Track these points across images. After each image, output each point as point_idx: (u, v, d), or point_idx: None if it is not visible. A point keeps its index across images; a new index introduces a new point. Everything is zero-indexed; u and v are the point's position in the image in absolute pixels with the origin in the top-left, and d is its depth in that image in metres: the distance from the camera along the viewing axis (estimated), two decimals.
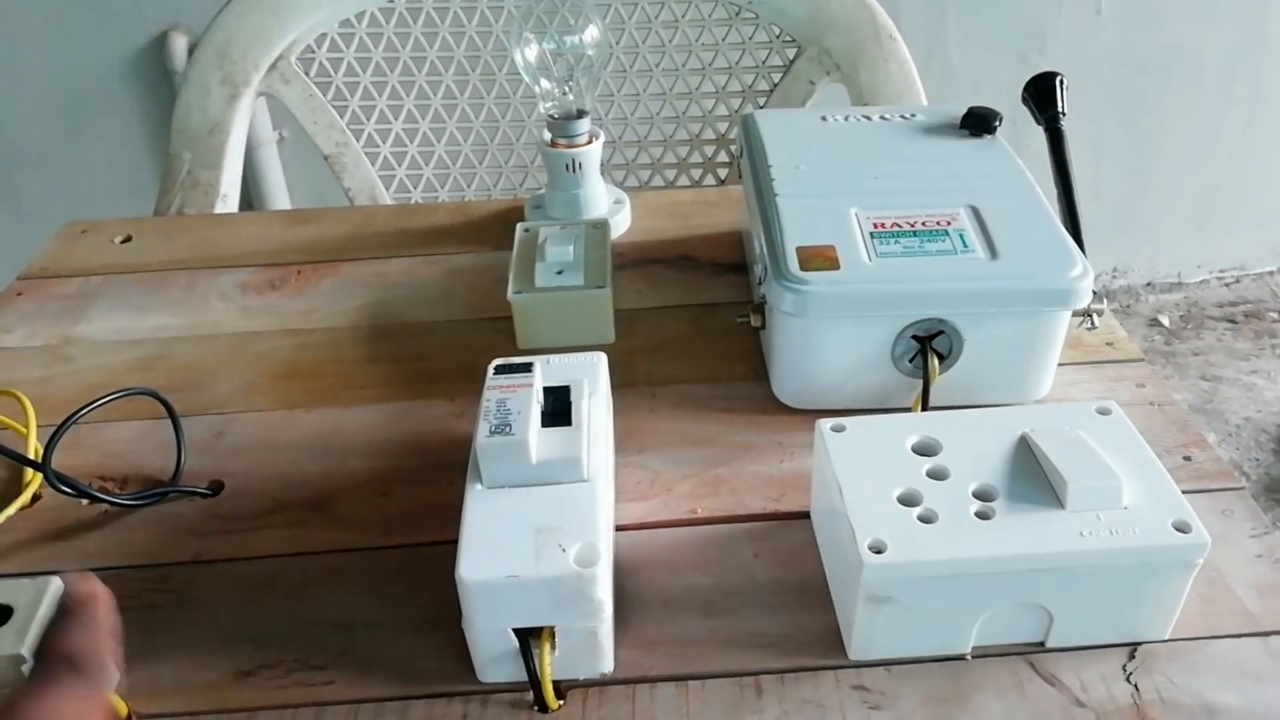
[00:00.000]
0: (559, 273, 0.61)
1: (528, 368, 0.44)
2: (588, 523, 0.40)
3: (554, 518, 0.40)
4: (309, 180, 1.63)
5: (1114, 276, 2.15)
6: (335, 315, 0.66)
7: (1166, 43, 1.84)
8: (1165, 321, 2.06)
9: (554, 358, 0.48)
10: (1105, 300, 0.57)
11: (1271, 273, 2.17)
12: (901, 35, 1.69)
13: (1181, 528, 0.39)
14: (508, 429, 0.41)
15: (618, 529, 0.49)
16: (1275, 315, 2.06)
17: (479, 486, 0.41)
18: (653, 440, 0.54)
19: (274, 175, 1.68)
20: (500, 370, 0.44)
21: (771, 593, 0.45)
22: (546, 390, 0.44)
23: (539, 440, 0.42)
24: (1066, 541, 0.39)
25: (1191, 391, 1.83)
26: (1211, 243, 2.12)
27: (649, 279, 0.69)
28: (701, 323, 0.64)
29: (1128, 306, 2.13)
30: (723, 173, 1.00)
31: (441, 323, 0.65)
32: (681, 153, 0.99)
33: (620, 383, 0.58)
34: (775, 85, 0.94)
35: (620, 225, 0.75)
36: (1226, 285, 2.16)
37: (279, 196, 1.67)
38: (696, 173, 1.00)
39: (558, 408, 0.43)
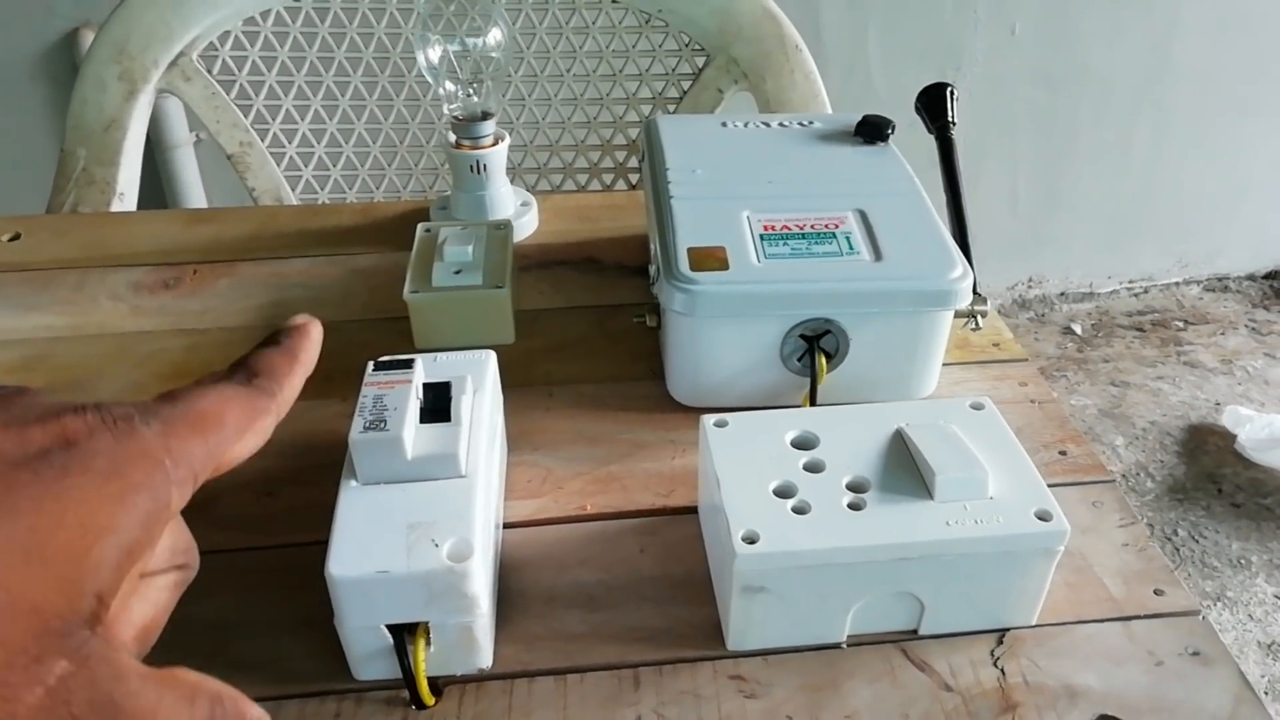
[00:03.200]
0: (457, 272, 0.61)
1: (408, 364, 0.44)
2: (463, 518, 0.39)
3: (428, 513, 0.40)
4: (227, 183, 1.60)
5: (1029, 286, 2.22)
6: (230, 315, 0.65)
7: (1078, 63, 1.91)
8: (1078, 330, 2.13)
9: (442, 356, 0.48)
10: (988, 302, 0.59)
11: (1178, 284, 2.26)
12: (824, 50, 1.72)
13: (1043, 516, 0.41)
14: (382, 425, 0.40)
15: (506, 526, 0.49)
16: (1180, 324, 2.14)
17: (353, 483, 0.41)
18: (547, 439, 0.54)
19: (190, 177, 1.64)
20: (380, 367, 0.44)
21: (655, 587, 0.46)
22: (426, 386, 0.44)
23: (416, 436, 0.41)
24: (933, 531, 0.40)
25: (1101, 396, 1.89)
26: (1121, 255, 2.21)
27: (553, 280, 0.69)
28: (604, 324, 0.64)
29: (1042, 315, 2.19)
30: (634, 178, 1.01)
31: (340, 323, 0.64)
32: (594, 157, 1.00)
33: (518, 382, 0.58)
34: (685, 93, 0.95)
35: (527, 227, 0.75)
36: (1135, 295, 2.24)
37: (196, 199, 1.64)
38: (608, 177, 1.01)
39: (438, 404, 0.43)
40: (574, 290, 0.68)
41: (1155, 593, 0.45)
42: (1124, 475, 1.68)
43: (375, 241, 0.74)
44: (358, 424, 0.41)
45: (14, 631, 0.20)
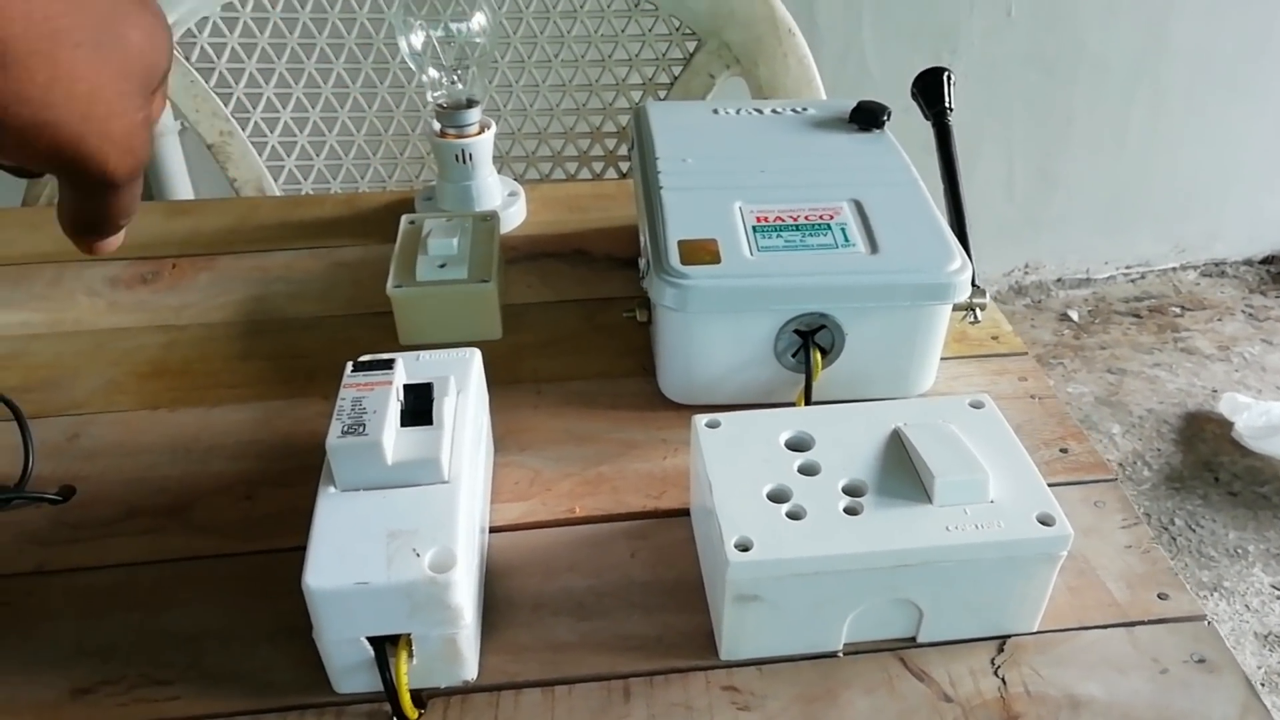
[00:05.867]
0: (442, 266, 0.59)
1: (389, 364, 0.42)
2: (445, 526, 0.38)
3: (410, 521, 0.38)
4: (214, 172, 1.57)
5: (1025, 273, 2.20)
6: (210, 311, 0.63)
7: (1073, 45, 1.89)
8: (1074, 316, 2.12)
9: (424, 354, 0.47)
10: (987, 294, 0.57)
11: (1174, 269, 2.25)
12: (818, 34, 1.70)
13: (1045, 520, 0.39)
14: (361, 429, 0.39)
15: (492, 530, 0.47)
16: (1178, 310, 2.13)
17: (332, 489, 0.39)
18: (535, 438, 0.53)
19: (175, 167, 1.62)
20: (360, 367, 0.42)
21: (647, 593, 0.44)
22: (407, 388, 0.42)
23: (396, 441, 0.40)
24: (932, 537, 0.39)
25: (1098, 384, 1.88)
26: (1118, 240, 2.19)
27: (541, 273, 0.67)
28: (593, 318, 0.63)
29: (1039, 302, 2.18)
30: (625, 166, 0.99)
31: (323, 318, 0.63)
32: (583, 145, 0.98)
33: (505, 379, 0.56)
34: (676, 78, 0.93)
35: (515, 218, 0.73)
36: (1132, 281, 2.23)
37: (181, 188, 1.61)
38: (598, 166, 0.99)
39: (419, 406, 0.41)
40: (563, 283, 0.66)
41: (1159, 597, 0.44)
42: (1121, 464, 1.67)
43: (359, 233, 0.72)
44: (335, 428, 0.39)
45: (140, 71, 0.30)
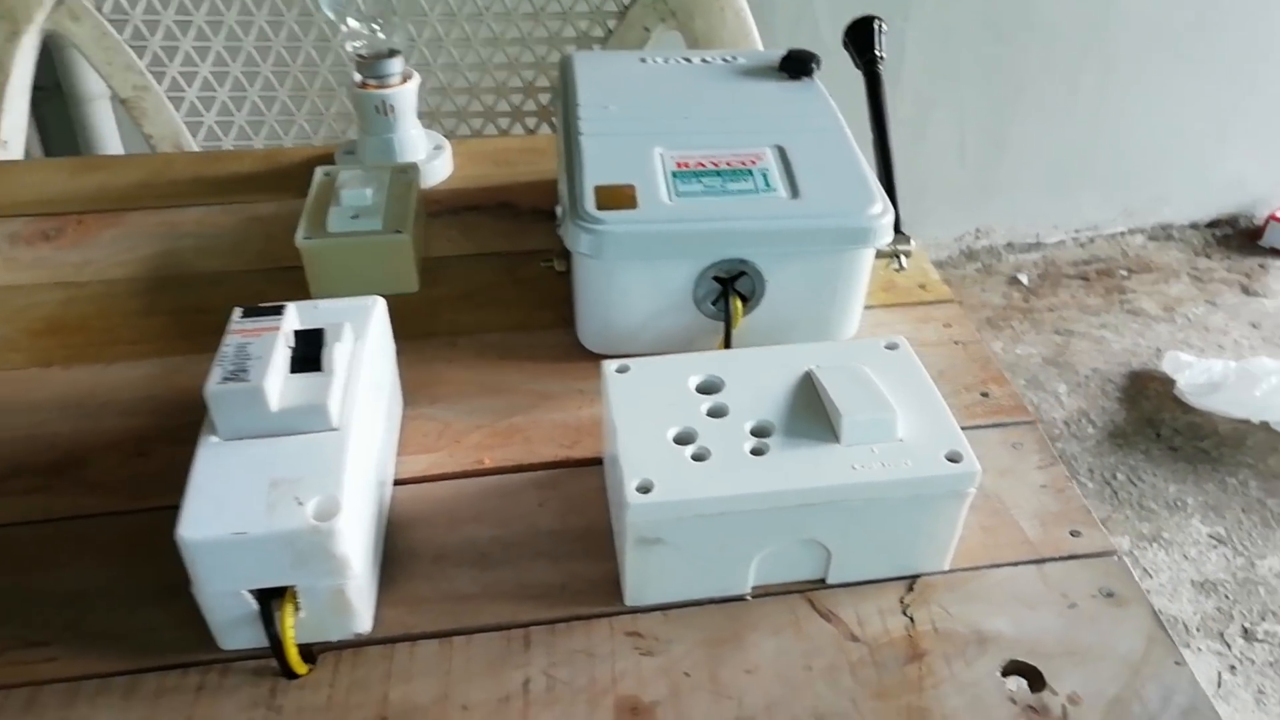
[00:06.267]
0: (355, 217, 0.57)
1: (279, 310, 0.41)
2: (331, 474, 0.36)
3: (294, 469, 0.36)
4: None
5: (977, 237, 2.21)
6: (113, 267, 0.61)
7: (1024, 11, 1.88)
8: (1024, 280, 2.13)
9: (324, 303, 0.45)
10: (913, 241, 0.57)
11: (1122, 233, 2.26)
12: None
13: (954, 458, 0.39)
14: (244, 375, 0.37)
15: (397, 484, 0.46)
16: (1125, 273, 2.15)
17: (214, 439, 0.38)
18: (447, 391, 0.51)
19: (108, 132, 1.57)
20: (249, 314, 0.41)
21: (554, 542, 0.43)
22: (299, 334, 0.40)
23: (284, 387, 0.38)
24: (838, 475, 0.38)
25: (1046, 345, 1.90)
26: (1067, 205, 2.20)
27: (464, 226, 0.66)
28: (515, 270, 0.61)
29: (989, 266, 2.19)
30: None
31: (232, 273, 0.61)
32: (516, 101, 0.95)
33: (420, 333, 0.55)
34: (610, 32, 0.91)
35: (440, 172, 0.71)
36: (1081, 245, 2.24)
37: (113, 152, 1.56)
38: (532, 121, 0.97)
39: (310, 353, 0.40)
40: (486, 236, 0.64)
41: (1072, 534, 0.43)
42: (1066, 422, 1.68)
43: (277, 189, 0.69)
44: (216, 374, 0.37)
45: None
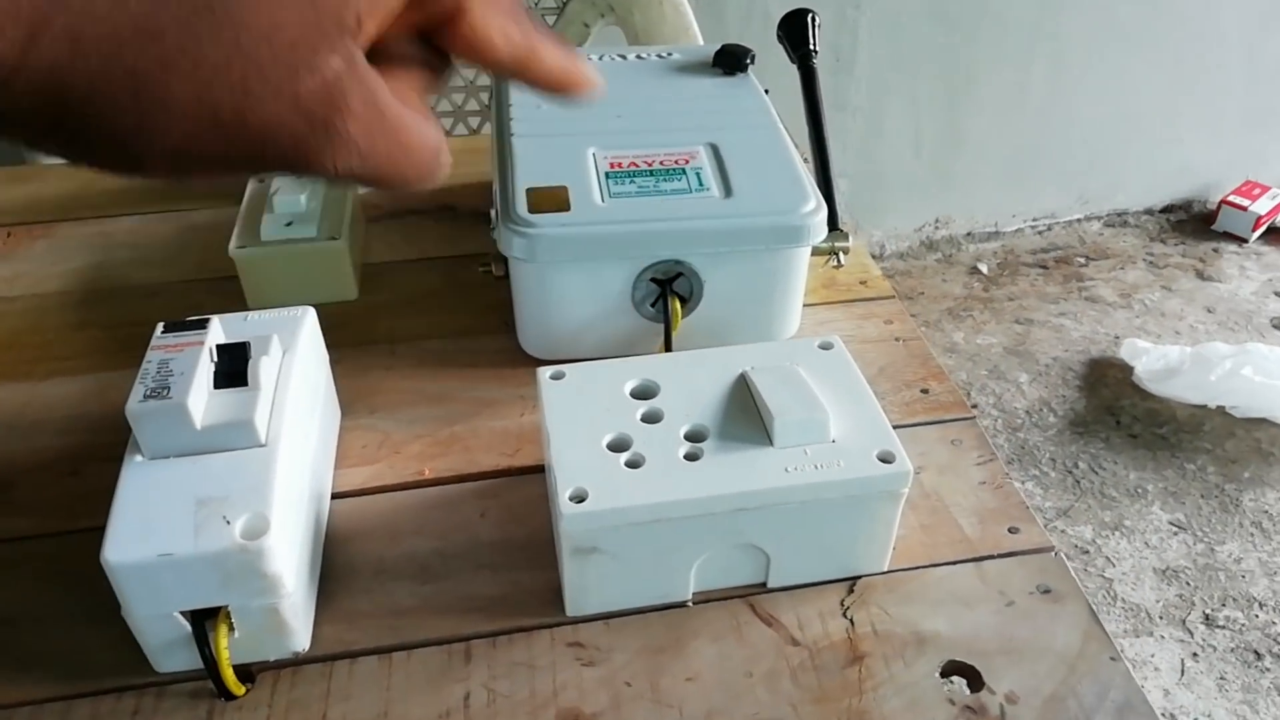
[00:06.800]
0: (288, 225, 0.56)
1: (202, 324, 0.40)
2: (259, 491, 0.36)
3: (221, 488, 0.36)
4: None
5: (936, 227, 2.22)
6: (44, 280, 0.59)
7: (974, 0, 1.90)
8: (984, 269, 2.15)
9: (253, 315, 0.44)
10: (850, 237, 0.57)
11: (1079, 220, 2.29)
12: None
13: (886, 458, 0.39)
14: (165, 392, 0.36)
15: (335, 497, 0.45)
16: (1082, 260, 2.18)
17: (139, 458, 0.37)
18: (386, 400, 0.51)
19: None
20: (170, 328, 0.40)
21: (495, 552, 0.43)
22: (221, 349, 0.40)
23: (208, 403, 0.38)
24: (771, 478, 0.38)
25: (1006, 335, 1.92)
26: (1024, 193, 2.23)
27: (404, 231, 0.65)
28: (456, 275, 0.61)
29: (949, 256, 2.21)
30: None
31: (169, 284, 0.60)
32: (457, 100, 0.95)
33: (358, 341, 0.54)
34: (550, 28, 0.91)
35: None
36: (1039, 233, 2.27)
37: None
38: (474, 121, 0.96)
39: (235, 368, 0.39)
40: (426, 241, 0.64)
41: (1010, 531, 0.44)
42: (1027, 411, 1.70)
43: (214, 196, 0.68)
44: (138, 392, 0.37)
45: (291, 17, 0.20)
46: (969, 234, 2.24)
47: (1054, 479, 1.56)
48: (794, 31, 0.63)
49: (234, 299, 0.57)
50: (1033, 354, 1.86)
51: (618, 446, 0.39)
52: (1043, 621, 0.40)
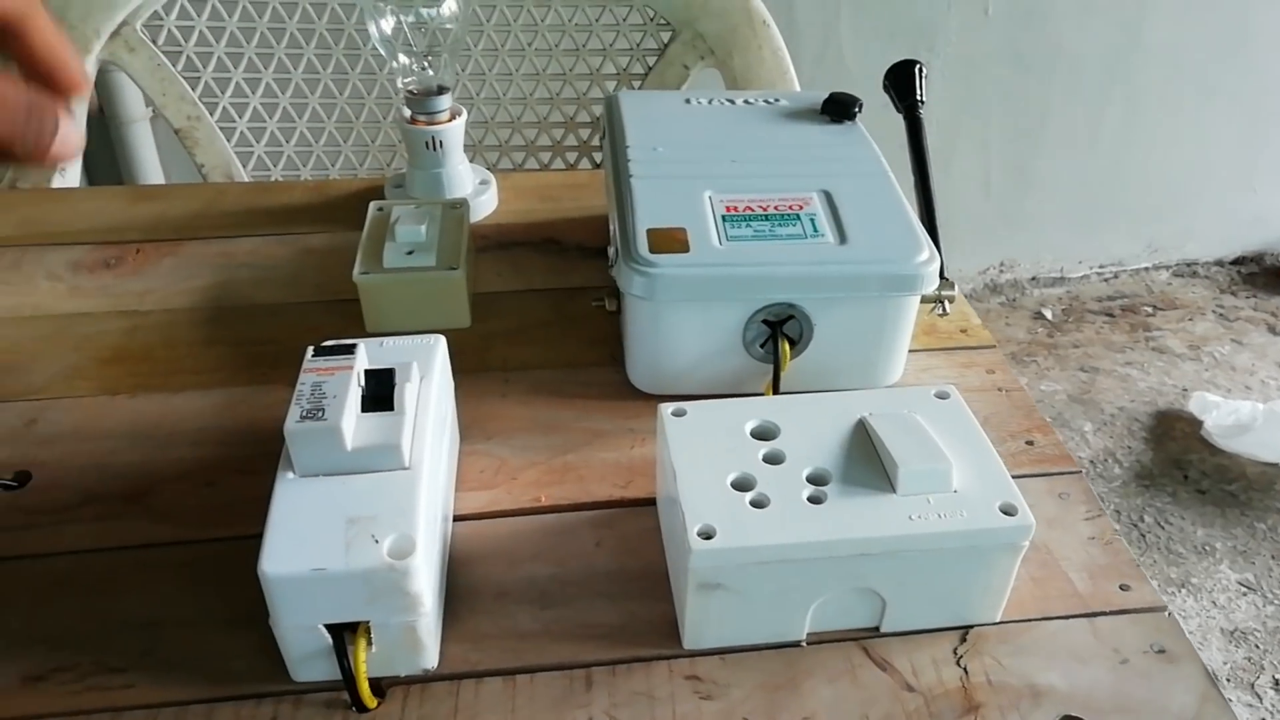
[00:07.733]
0: (410, 253, 0.58)
1: (350, 349, 0.42)
2: (405, 513, 0.38)
3: (369, 507, 0.38)
4: (186, 160, 1.55)
5: (1001, 271, 2.21)
6: (174, 296, 0.62)
7: (1049, 44, 1.90)
8: (1048, 314, 2.13)
9: (389, 340, 0.46)
10: (956, 287, 0.58)
11: (1147, 269, 2.27)
12: (795, 29, 1.70)
13: (1008, 510, 0.39)
14: (320, 414, 0.38)
15: (456, 519, 0.47)
16: (1150, 309, 2.15)
17: (290, 475, 0.39)
18: (501, 427, 0.53)
19: (147, 154, 1.60)
20: (321, 352, 0.42)
21: (611, 582, 0.44)
22: (369, 373, 0.41)
23: (356, 426, 0.39)
24: (895, 525, 0.39)
25: (1070, 382, 1.90)
26: (1092, 239, 2.21)
27: (512, 262, 0.67)
28: (563, 307, 0.62)
29: (1014, 300, 2.19)
30: (599, 156, 0.98)
31: (289, 305, 0.62)
32: (557, 135, 0.97)
33: (473, 368, 0.56)
34: (650, 69, 0.93)
35: (486, 206, 0.73)
36: (1105, 280, 2.25)
37: (153, 176, 1.59)
38: (572, 156, 0.98)
39: (380, 392, 0.41)
40: (533, 272, 0.66)
41: (1121, 588, 0.44)
42: (1092, 461, 1.68)
43: (328, 220, 0.71)
44: (294, 413, 0.38)
45: None
46: (1034, 278, 2.23)
47: (1118, 532, 1.54)
48: (900, 82, 0.64)
49: (351, 320, 0.59)
50: (1097, 403, 1.84)
51: (741, 486, 0.40)
52: (1159, 681, 0.40)
